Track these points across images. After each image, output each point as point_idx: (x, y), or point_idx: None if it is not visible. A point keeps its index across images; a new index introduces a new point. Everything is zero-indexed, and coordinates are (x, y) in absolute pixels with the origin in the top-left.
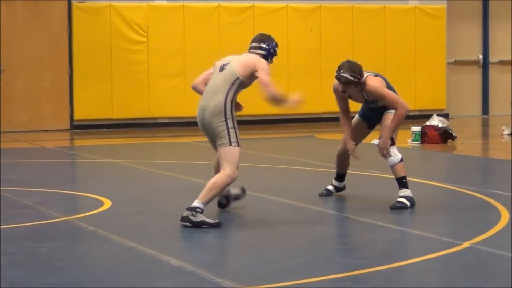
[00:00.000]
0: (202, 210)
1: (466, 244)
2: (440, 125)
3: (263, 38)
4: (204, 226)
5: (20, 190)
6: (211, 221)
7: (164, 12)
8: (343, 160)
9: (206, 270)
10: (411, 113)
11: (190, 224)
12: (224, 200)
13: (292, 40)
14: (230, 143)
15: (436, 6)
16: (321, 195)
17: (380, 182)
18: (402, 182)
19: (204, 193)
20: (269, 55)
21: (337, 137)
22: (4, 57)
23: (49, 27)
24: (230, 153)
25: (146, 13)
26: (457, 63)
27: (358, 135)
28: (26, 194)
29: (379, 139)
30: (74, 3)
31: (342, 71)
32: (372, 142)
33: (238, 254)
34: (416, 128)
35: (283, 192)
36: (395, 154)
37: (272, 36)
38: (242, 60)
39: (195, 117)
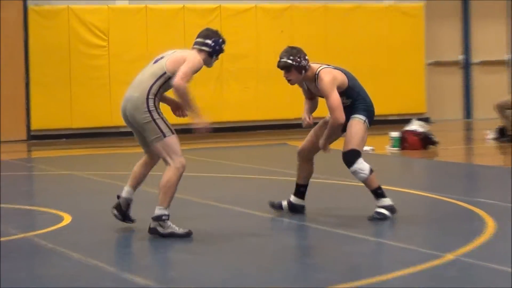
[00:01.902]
0: (168, 215)
1: (449, 256)
2: (420, 130)
3: (209, 33)
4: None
5: None
6: (180, 231)
7: (126, 14)
8: (305, 162)
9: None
10: (389, 118)
11: (159, 235)
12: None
13: (262, 42)
14: (164, 135)
15: (413, 4)
16: (271, 205)
17: (355, 191)
18: (377, 193)
19: (162, 197)
20: (214, 52)
21: None
22: None
23: (3, 32)
24: (168, 144)
25: (107, 16)
26: (437, 64)
27: (329, 133)
28: None
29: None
30: (30, 6)
31: (280, 57)
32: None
33: (206, 270)
34: (395, 134)
35: (252, 203)
36: (362, 170)
37: (219, 31)
38: (176, 55)
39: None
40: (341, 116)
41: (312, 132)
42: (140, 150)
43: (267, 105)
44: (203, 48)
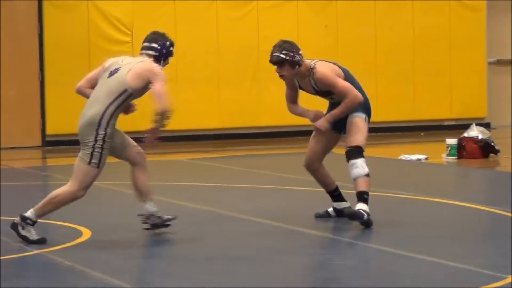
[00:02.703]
0: (34, 222)
1: (511, 279)
2: (480, 137)
3: (155, 37)
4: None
5: None
6: (34, 237)
7: (152, 6)
8: (317, 172)
9: None
10: (445, 123)
11: (15, 233)
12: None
13: (304, 38)
14: (89, 162)
15: None
16: (318, 216)
17: (400, 203)
18: (363, 198)
19: (41, 205)
20: (161, 56)
21: None
22: None
23: (15, 25)
24: (84, 171)
25: (131, 8)
26: (499, 63)
27: (328, 141)
28: None
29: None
30: None
31: (273, 51)
32: (400, 157)
33: None
34: (452, 141)
35: (293, 218)
36: (362, 166)
37: (167, 34)
38: (135, 68)
39: (190, 130)
40: (358, 93)
41: (311, 141)
42: (166, 158)
43: (309, 108)
44: (150, 52)
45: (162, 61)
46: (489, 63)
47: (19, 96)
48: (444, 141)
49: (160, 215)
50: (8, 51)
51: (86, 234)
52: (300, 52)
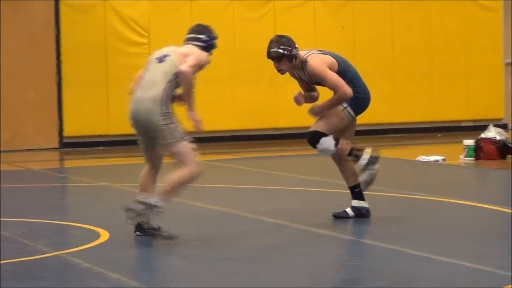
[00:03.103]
0: (163, 209)
1: None
2: (498, 138)
3: (201, 28)
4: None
5: (0, 220)
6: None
7: (168, 8)
8: (342, 161)
9: None
10: (463, 124)
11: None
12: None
13: (320, 39)
14: (180, 140)
15: None
16: (336, 216)
17: (419, 204)
18: (355, 155)
19: (165, 190)
20: (208, 48)
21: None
22: None
23: (32, 28)
24: (184, 149)
25: (147, 10)
26: None
27: (346, 129)
28: (7, 225)
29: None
30: None
31: (270, 47)
32: (417, 158)
33: None
34: (469, 142)
35: (310, 219)
36: (327, 148)
37: (211, 27)
38: (184, 52)
39: (207, 132)
40: (347, 89)
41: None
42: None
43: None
44: (197, 43)
45: (208, 52)
46: (506, 64)
47: (37, 98)
48: (462, 142)
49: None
50: (26, 53)
51: (104, 235)
52: (296, 46)
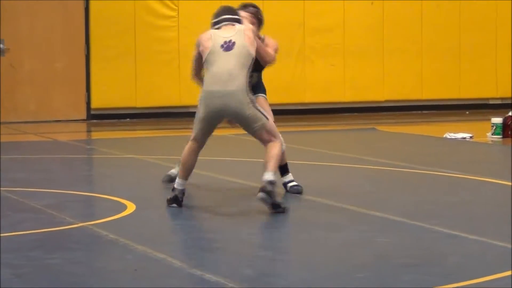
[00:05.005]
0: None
1: None
2: None
3: (232, 9)
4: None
5: (28, 191)
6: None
7: None
8: None
9: (248, 287)
10: (490, 102)
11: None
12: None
13: (349, 15)
14: (265, 120)
15: None
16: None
17: (449, 182)
18: (286, 168)
19: (274, 164)
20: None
21: (402, 130)
22: (9, 34)
23: (61, 0)
24: (271, 127)
25: None
26: None
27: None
28: (34, 195)
29: None
30: None
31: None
32: (445, 135)
33: (284, 269)
34: (497, 120)
35: (338, 195)
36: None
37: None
38: (247, 36)
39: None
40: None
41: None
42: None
43: (355, 85)
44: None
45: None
46: None
47: (65, 70)
48: (490, 120)
49: None
50: (55, 25)
51: (131, 207)
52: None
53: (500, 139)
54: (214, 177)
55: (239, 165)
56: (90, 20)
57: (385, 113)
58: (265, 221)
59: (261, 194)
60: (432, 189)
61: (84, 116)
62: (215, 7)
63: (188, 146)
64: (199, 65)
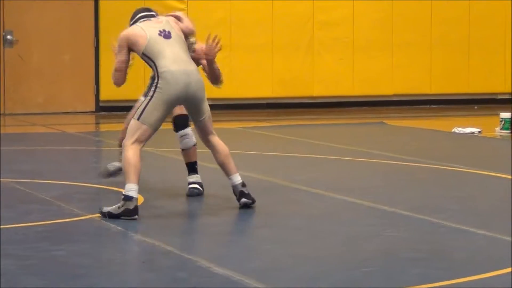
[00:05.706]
0: None
1: None
2: None
3: (148, 8)
4: None
5: (36, 182)
6: None
7: None
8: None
9: (255, 280)
10: (499, 97)
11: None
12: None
13: (358, 9)
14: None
15: None
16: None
17: (461, 177)
18: (194, 168)
19: (233, 163)
20: None
21: (410, 124)
22: (17, 25)
23: None
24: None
25: None
26: None
27: None
28: (42, 187)
29: None
30: None
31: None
32: (453, 130)
33: (292, 262)
34: (506, 115)
35: (346, 189)
36: (192, 137)
37: None
38: (175, 24)
39: (243, 99)
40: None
41: None
42: (219, 126)
43: (363, 79)
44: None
45: None
46: None
47: (74, 61)
48: (498, 114)
49: None
50: (64, 17)
51: (139, 199)
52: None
53: (509, 134)
54: (220, 170)
55: (244, 158)
56: (100, 11)
57: (393, 107)
58: (272, 215)
59: (243, 200)
60: (440, 184)
61: (92, 108)
62: (225, 3)
63: (133, 150)
64: (127, 67)
